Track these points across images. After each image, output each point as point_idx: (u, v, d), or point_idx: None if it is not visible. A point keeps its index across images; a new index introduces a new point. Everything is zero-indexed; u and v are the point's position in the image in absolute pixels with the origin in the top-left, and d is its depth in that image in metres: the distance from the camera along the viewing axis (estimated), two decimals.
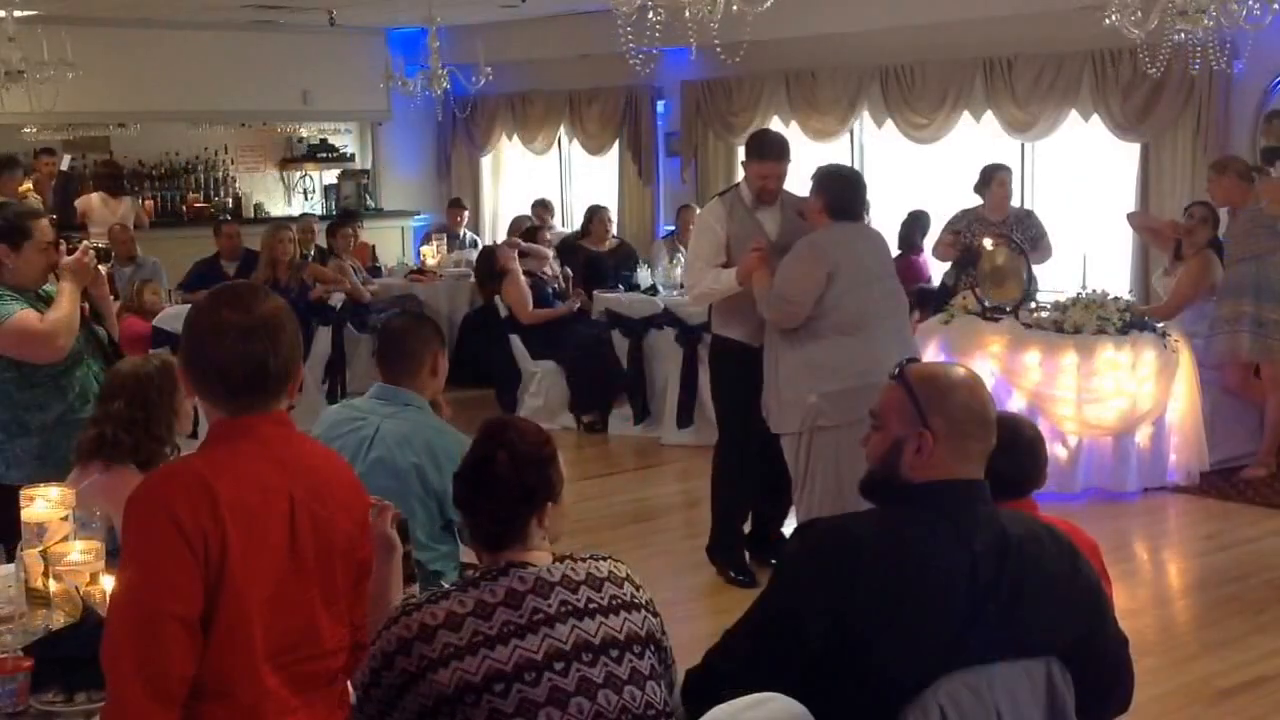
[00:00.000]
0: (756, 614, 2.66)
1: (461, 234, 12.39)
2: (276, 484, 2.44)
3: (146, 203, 12.35)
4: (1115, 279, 8.84)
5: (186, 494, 2.34)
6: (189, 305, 9.06)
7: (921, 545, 2.57)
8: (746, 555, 6.21)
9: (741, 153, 11.29)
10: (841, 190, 5.63)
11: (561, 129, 12.98)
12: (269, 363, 2.46)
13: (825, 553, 2.61)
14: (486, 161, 13.97)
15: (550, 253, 10.19)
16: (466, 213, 12.64)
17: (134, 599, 2.33)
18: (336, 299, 10.00)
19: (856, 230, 5.67)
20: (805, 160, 6.11)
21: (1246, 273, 7.51)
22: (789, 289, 5.52)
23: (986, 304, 7.59)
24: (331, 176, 14.03)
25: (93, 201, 11.33)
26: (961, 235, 8.50)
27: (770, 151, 5.97)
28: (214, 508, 2.33)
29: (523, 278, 9.56)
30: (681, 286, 9.57)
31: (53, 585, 3.14)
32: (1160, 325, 7.51)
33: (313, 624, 2.49)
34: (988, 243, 7.82)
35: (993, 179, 8.53)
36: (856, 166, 10.80)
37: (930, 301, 8.76)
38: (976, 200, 8.63)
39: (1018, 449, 3.23)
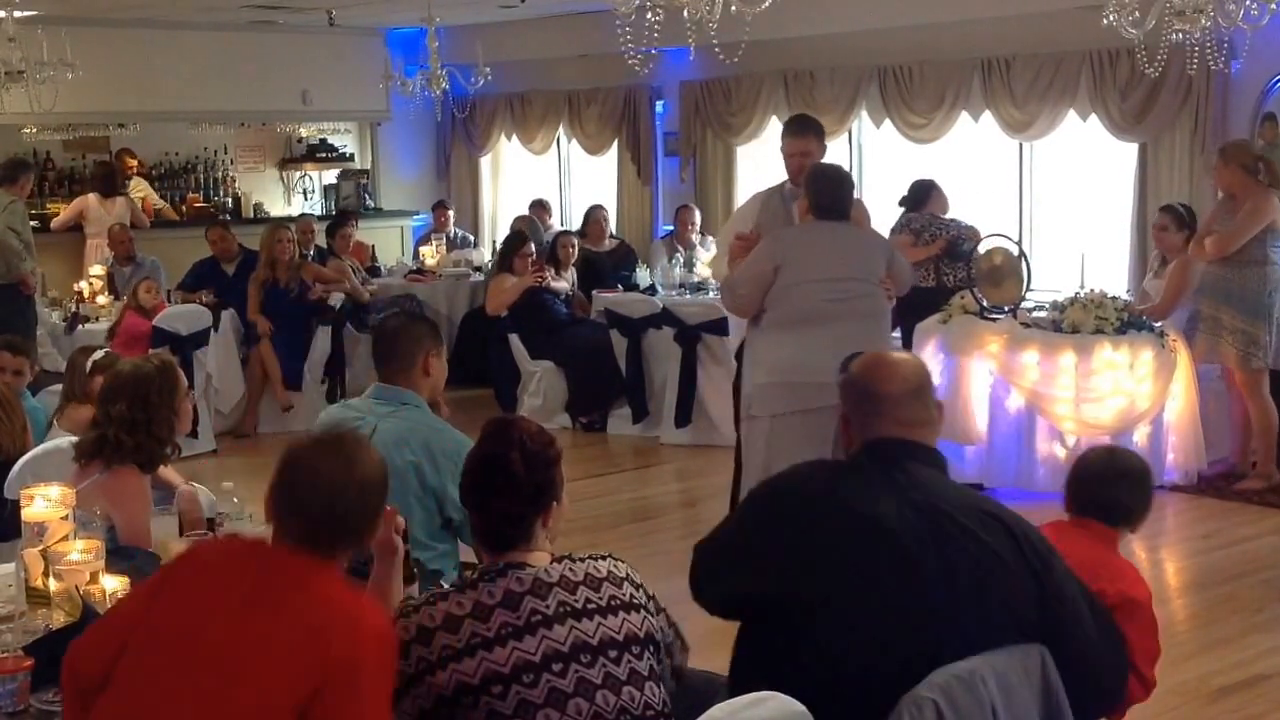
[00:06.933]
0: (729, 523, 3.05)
1: (452, 232, 12.40)
2: None
3: (146, 202, 12.34)
4: (1113, 279, 8.84)
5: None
6: (189, 304, 9.21)
7: (847, 491, 2.82)
8: None
9: (740, 152, 11.44)
10: (820, 188, 5.57)
11: (560, 129, 12.95)
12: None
13: (777, 491, 2.97)
14: (485, 161, 13.94)
15: (565, 283, 10.04)
16: (451, 211, 12.66)
17: None
18: (336, 299, 10.00)
19: (827, 229, 5.53)
20: None
21: (1219, 274, 7.46)
22: (737, 277, 5.60)
23: (985, 304, 7.60)
24: (331, 176, 14.00)
25: (89, 202, 11.34)
26: (929, 233, 8.59)
27: (790, 129, 6.02)
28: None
29: (513, 280, 9.52)
30: (681, 286, 9.63)
31: (53, 585, 3.16)
32: (1158, 325, 7.51)
33: None
34: (984, 244, 7.83)
35: (933, 189, 8.82)
36: (855, 166, 10.81)
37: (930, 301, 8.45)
38: (948, 202, 8.85)
39: (1120, 480, 3.36)
